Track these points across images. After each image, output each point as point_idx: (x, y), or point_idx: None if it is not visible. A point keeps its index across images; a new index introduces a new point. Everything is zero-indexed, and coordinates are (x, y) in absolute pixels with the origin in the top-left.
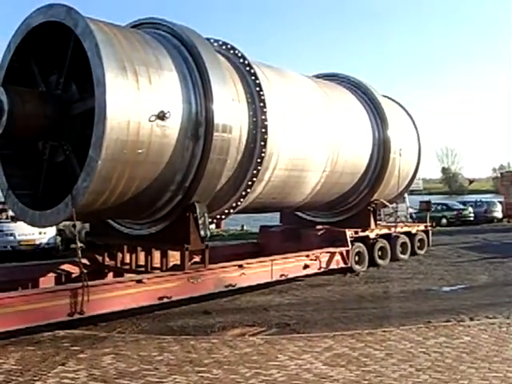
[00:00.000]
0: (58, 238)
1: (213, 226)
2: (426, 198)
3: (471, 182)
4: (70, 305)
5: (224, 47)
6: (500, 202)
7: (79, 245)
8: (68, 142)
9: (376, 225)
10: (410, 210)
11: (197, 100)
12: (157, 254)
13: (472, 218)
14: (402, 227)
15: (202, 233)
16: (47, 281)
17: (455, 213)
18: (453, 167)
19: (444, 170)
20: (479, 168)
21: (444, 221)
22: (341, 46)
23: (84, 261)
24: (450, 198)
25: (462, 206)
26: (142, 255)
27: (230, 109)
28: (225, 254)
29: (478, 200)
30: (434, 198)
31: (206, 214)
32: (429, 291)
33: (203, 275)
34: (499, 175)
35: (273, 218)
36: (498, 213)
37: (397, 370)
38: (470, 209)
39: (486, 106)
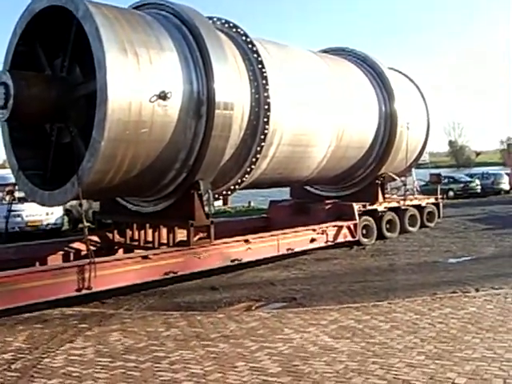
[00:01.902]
0: (66, 219)
1: (220, 203)
2: (433, 171)
3: (478, 154)
4: (78, 281)
5: (226, 25)
6: (507, 174)
7: (86, 223)
8: (73, 123)
9: (384, 198)
10: (416, 184)
11: (198, 79)
12: (164, 231)
13: (479, 191)
14: (411, 200)
15: (207, 209)
16: (55, 259)
17: (462, 185)
18: (460, 140)
19: (451, 144)
20: (486, 141)
21: (451, 193)
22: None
23: (94, 238)
24: (457, 171)
25: (468, 179)
26: (150, 232)
27: (231, 87)
28: (234, 229)
29: (485, 172)
30: (441, 172)
31: (210, 191)
32: (435, 263)
33: (208, 250)
34: (506, 147)
35: (279, 194)
36: (505, 185)
37: (401, 341)
38: (477, 181)
39: (493, 79)
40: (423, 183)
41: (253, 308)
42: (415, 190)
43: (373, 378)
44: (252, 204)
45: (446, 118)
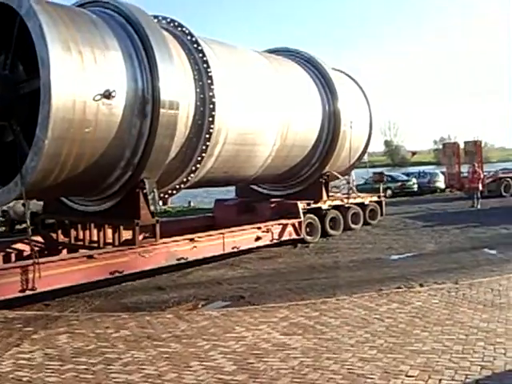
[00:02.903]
0: (2, 219)
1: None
2: (371, 170)
3: (414, 154)
4: (22, 281)
5: (172, 24)
6: (442, 173)
7: (29, 223)
8: (16, 121)
9: (328, 196)
10: (355, 183)
11: (143, 78)
12: (109, 230)
13: (416, 189)
14: (355, 198)
15: (152, 208)
16: None
17: (399, 184)
18: (395, 140)
19: (387, 143)
20: (420, 140)
21: (389, 192)
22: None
23: (38, 239)
24: (394, 170)
25: (405, 178)
26: (95, 231)
27: (176, 86)
28: (180, 228)
29: (422, 171)
30: (374, 171)
31: (155, 190)
32: (378, 260)
33: (154, 249)
34: (441, 147)
35: (220, 193)
36: (440, 183)
37: (353, 336)
38: (414, 180)
39: (426, 79)
40: (361, 182)
41: (199, 306)
42: (354, 189)
43: (328, 373)
44: (192, 204)
45: (381, 118)
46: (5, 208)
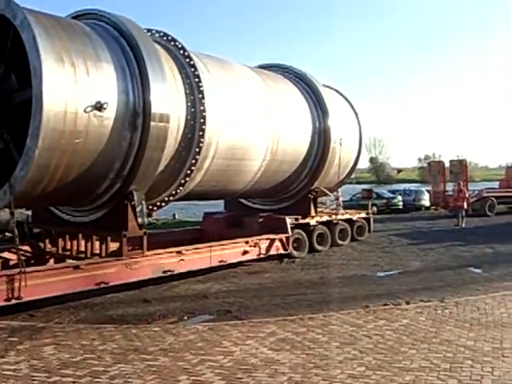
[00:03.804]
0: None
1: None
2: (357, 187)
3: (400, 171)
4: (7, 290)
5: (165, 38)
6: (427, 191)
7: (16, 232)
8: (7, 130)
9: (316, 212)
10: (341, 199)
11: (134, 91)
12: (97, 241)
13: (401, 206)
14: (343, 214)
15: (140, 220)
16: None
17: (385, 201)
18: (380, 157)
19: (372, 160)
20: (405, 158)
21: (374, 209)
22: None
23: (26, 248)
24: (378, 187)
25: (391, 195)
26: (83, 242)
27: (167, 99)
28: (168, 240)
29: (407, 189)
30: (363, 188)
31: (143, 202)
32: (364, 277)
33: (141, 261)
34: (425, 165)
35: (205, 207)
36: (425, 201)
37: (341, 352)
38: (399, 197)
39: (413, 98)
40: (347, 198)
41: (185, 318)
42: (341, 205)
43: None
44: (177, 216)
45: (367, 135)
46: None
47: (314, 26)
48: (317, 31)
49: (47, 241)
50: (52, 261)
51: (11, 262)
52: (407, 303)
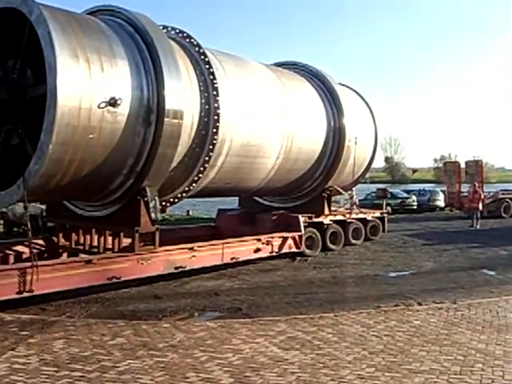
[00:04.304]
0: (0, 222)
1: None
2: (371, 186)
3: (415, 171)
4: (19, 283)
5: (180, 35)
6: (442, 191)
7: (29, 226)
8: (22, 125)
9: (330, 211)
10: (355, 198)
11: (149, 87)
12: (110, 236)
13: (415, 207)
14: (357, 213)
15: (153, 216)
16: None
17: (399, 201)
18: (396, 157)
19: (387, 160)
20: (421, 158)
21: (389, 208)
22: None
23: (39, 241)
24: (393, 187)
25: (405, 195)
26: (96, 236)
27: (181, 96)
28: (182, 236)
29: (422, 189)
30: (378, 187)
31: (156, 198)
32: (376, 276)
33: (153, 257)
34: (441, 165)
35: (220, 203)
36: (440, 202)
37: (350, 353)
38: (414, 197)
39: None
40: (362, 197)
41: (196, 315)
42: (355, 204)
43: None
44: (190, 213)
45: (382, 134)
46: (4, 210)
47: (325, 25)
48: (329, 30)
49: (61, 235)
50: (65, 255)
51: (24, 256)
52: (419, 304)
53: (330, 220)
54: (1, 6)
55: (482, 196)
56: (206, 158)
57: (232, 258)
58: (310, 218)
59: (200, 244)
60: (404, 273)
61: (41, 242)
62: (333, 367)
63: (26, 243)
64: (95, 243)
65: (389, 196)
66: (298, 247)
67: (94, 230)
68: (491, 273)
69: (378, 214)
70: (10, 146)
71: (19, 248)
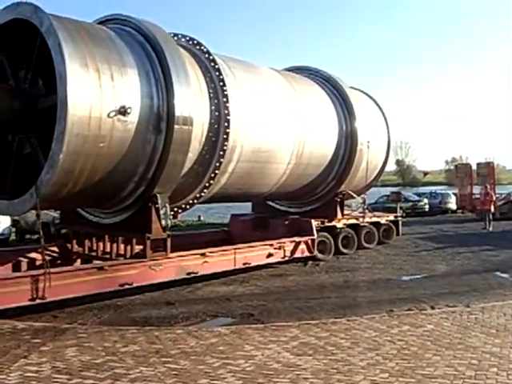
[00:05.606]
0: (13, 229)
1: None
2: (382, 190)
3: (426, 174)
4: (32, 290)
5: (190, 42)
6: (454, 194)
7: (41, 233)
8: (34, 134)
9: (343, 215)
10: (367, 202)
11: (159, 95)
12: (122, 243)
13: (427, 209)
14: (370, 217)
15: (164, 222)
16: (8, 268)
17: (411, 204)
18: (406, 159)
19: (398, 162)
20: (432, 160)
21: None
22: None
23: (53, 248)
24: (404, 190)
25: (417, 198)
26: (108, 243)
27: (191, 103)
28: (195, 242)
29: (433, 192)
30: (389, 190)
31: (167, 205)
32: (389, 280)
33: (164, 263)
34: (453, 167)
35: (231, 209)
36: (452, 204)
37: (364, 358)
38: (425, 200)
39: (439, 100)
40: (373, 201)
41: (207, 319)
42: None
43: None
44: (201, 218)
45: (393, 137)
46: (16, 218)
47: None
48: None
49: (74, 242)
50: (79, 261)
51: (37, 263)
52: (432, 308)
53: (343, 224)
54: (11, 17)
55: (494, 198)
56: (217, 165)
57: (244, 264)
58: (322, 222)
59: (212, 249)
60: (417, 276)
61: (55, 248)
62: (346, 373)
63: (38, 250)
64: (108, 250)
65: (402, 199)
66: (310, 251)
67: (106, 237)
68: (504, 275)
69: (391, 217)
70: (22, 155)
71: (32, 255)
